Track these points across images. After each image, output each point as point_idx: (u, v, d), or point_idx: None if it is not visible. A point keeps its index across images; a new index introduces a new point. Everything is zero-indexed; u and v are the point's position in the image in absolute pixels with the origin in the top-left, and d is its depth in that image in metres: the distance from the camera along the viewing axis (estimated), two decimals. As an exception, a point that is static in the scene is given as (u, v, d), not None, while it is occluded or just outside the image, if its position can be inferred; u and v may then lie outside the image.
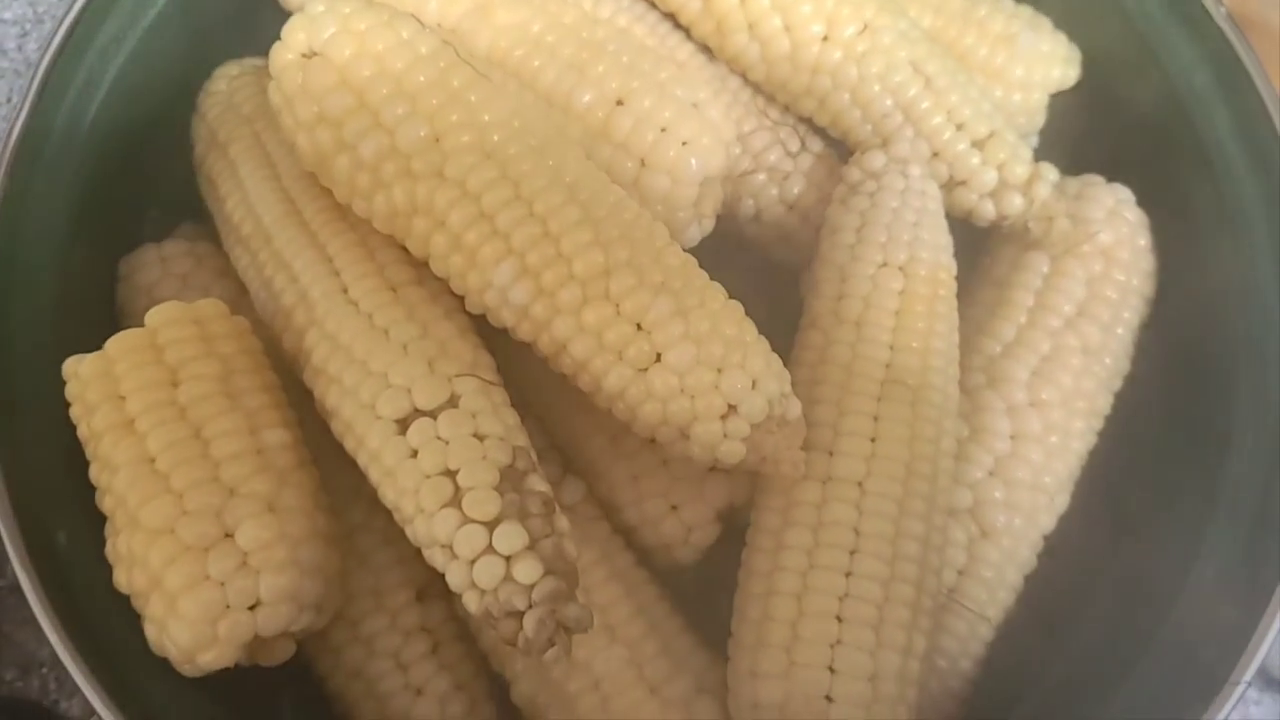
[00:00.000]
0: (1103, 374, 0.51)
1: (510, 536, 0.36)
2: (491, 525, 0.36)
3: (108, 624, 0.40)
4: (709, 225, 0.49)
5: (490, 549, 0.36)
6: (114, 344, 0.42)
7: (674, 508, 0.46)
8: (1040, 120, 0.57)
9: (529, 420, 0.43)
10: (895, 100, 0.51)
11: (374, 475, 0.40)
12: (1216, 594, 0.45)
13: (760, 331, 0.42)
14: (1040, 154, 0.54)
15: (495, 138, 0.42)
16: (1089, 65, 0.56)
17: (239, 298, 0.49)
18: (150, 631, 0.39)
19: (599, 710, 0.42)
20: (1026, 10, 0.57)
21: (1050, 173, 0.52)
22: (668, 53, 0.53)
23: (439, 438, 0.38)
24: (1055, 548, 0.49)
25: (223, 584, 0.37)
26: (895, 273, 0.47)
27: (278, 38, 0.44)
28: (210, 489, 0.39)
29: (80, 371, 0.42)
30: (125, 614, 0.40)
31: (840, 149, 0.55)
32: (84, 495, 0.42)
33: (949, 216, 0.51)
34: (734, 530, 0.47)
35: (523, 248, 0.41)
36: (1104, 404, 0.51)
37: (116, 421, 0.40)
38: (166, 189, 0.55)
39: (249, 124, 0.50)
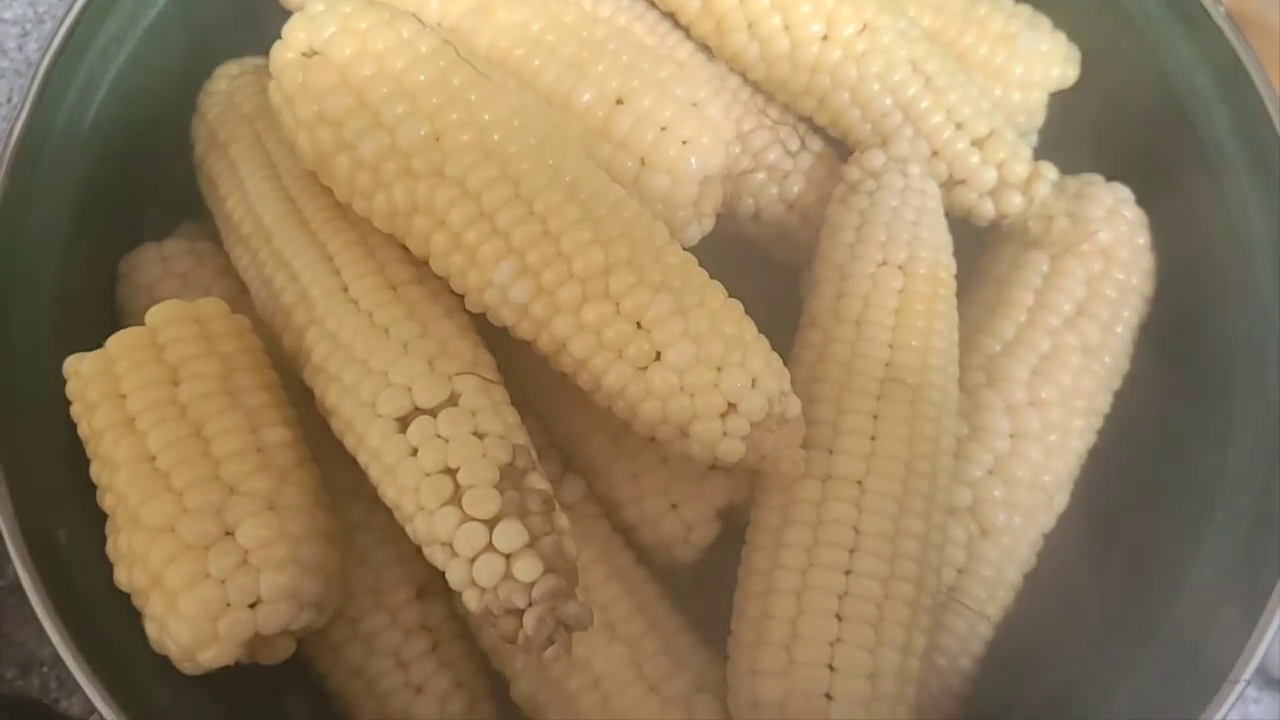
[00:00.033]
0: (1102, 373, 0.51)
1: (510, 534, 0.36)
2: (491, 523, 0.36)
3: (108, 622, 0.40)
4: (709, 224, 0.49)
5: (490, 547, 0.36)
6: (114, 342, 0.43)
7: (674, 506, 0.46)
8: (1040, 119, 0.57)
9: (529, 418, 0.43)
10: (895, 99, 0.51)
11: (374, 473, 0.40)
12: (1216, 592, 0.45)
13: (760, 330, 0.42)
14: (1040, 153, 0.54)
15: (495, 137, 0.42)
16: (1088, 64, 0.56)
17: (239, 296, 0.49)
18: (151, 629, 0.39)
19: (599, 708, 0.42)
20: (1026, 9, 0.57)
21: (1050, 171, 0.52)
22: (667, 52, 0.53)
23: (439, 436, 0.38)
24: (1055, 546, 0.49)
25: (223, 582, 0.37)
26: (895, 271, 0.47)
27: (278, 37, 0.44)
28: (210, 487, 0.39)
29: (81, 370, 0.42)
30: (126, 612, 0.40)
31: (840, 148, 0.55)
32: (84, 493, 0.42)
33: (948, 215, 0.51)
34: (734, 528, 0.47)
35: (522, 246, 0.41)
36: (1103, 403, 0.51)
37: (117, 420, 0.40)
38: (167, 188, 0.55)
39: (249, 123, 0.50)
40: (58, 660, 0.39)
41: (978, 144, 0.52)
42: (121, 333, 0.43)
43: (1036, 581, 0.49)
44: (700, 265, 0.43)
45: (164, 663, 0.39)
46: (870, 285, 0.47)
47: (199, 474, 0.39)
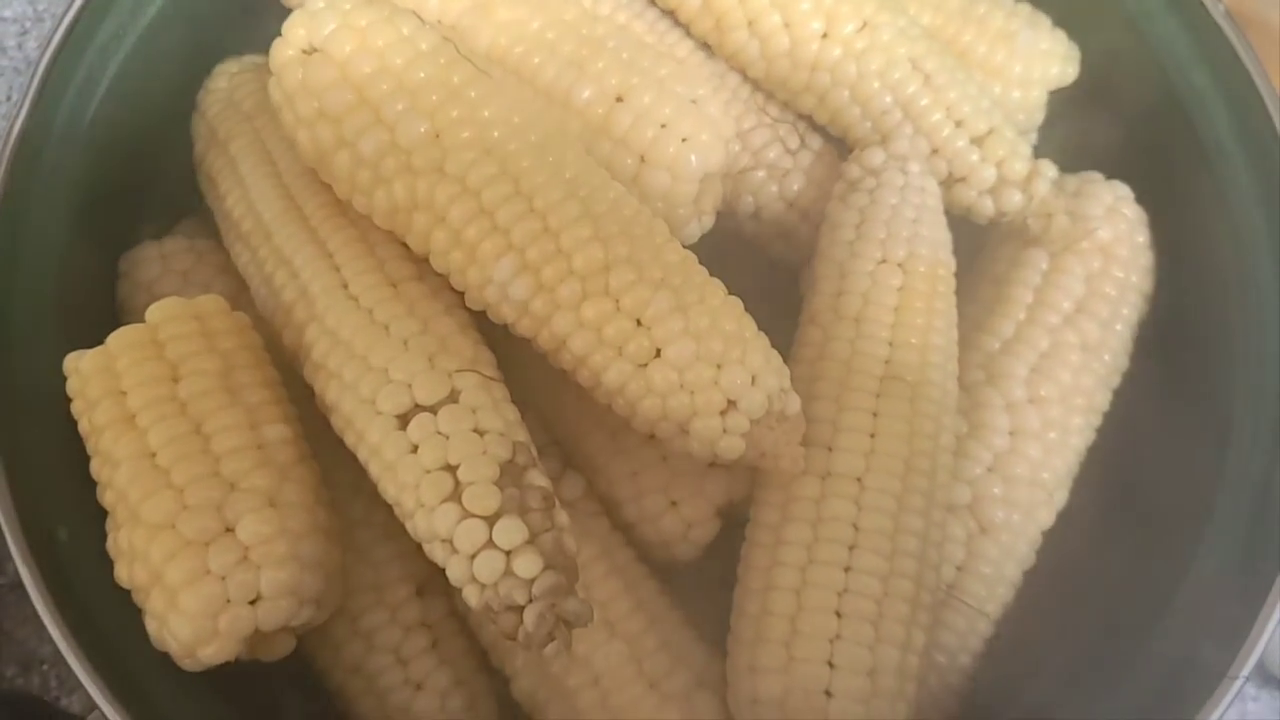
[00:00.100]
0: (1101, 370, 0.51)
1: (510, 531, 0.36)
2: (491, 520, 0.36)
3: (109, 619, 0.40)
4: (709, 222, 0.49)
5: (490, 544, 0.36)
6: (115, 340, 0.43)
7: (673, 504, 0.46)
8: (1039, 117, 0.57)
9: (529, 416, 0.43)
10: (894, 97, 0.51)
11: (374, 470, 0.40)
12: (1215, 590, 0.45)
13: (760, 327, 0.42)
14: (1039, 151, 0.54)
15: (495, 134, 0.42)
16: (1088, 63, 0.56)
17: (239, 294, 0.49)
18: (151, 626, 0.39)
19: (599, 705, 0.43)
20: (1025, 8, 0.57)
21: (1049, 169, 0.52)
22: (667, 49, 0.53)
23: (439, 433, 0.38)
24: (1054, 544, 0.49)
25: (223, 578, 0.37)
26: (894, 269, 0.47)
27: (278, 34, 0.44)
28: (211, 484, 0.39)
29: (81, 367, 0.42)
30: (126, 609, 0.40)
31: (840, 146, 0.55)
32: (85, 491, 0.42)
33: (948, 213, 0.51)
34: (733, 526, 0.47)
35: (522, 243, 0.41)
36: (1102, 400, 0.51)
37: (117, 417, 0.40)
38: (167, 186, 0.55)
39: (249, 121, 0.50)
40: (58, 658, 0.39)
41: (977, 142, 0.52)
42: (121, 330, 0.43)
43: (1036, 579, 0.49)
44: (700, 263, 0.43)
45: (164, 660, 0.39)
46: (870, 283, 0.47)
47: (199, 471, 0.39)
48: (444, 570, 0.37)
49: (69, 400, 0.43)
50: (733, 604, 0.44)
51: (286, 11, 0.46)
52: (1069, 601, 0.50)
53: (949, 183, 0.52)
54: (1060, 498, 0.50)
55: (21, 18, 0.70)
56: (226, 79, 0.53)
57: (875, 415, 0.44)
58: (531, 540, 0.36)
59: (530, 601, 0.36)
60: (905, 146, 0.51)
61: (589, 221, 0.41)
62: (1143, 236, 0.53)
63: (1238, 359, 0.49)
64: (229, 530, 0.38)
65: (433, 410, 0.39)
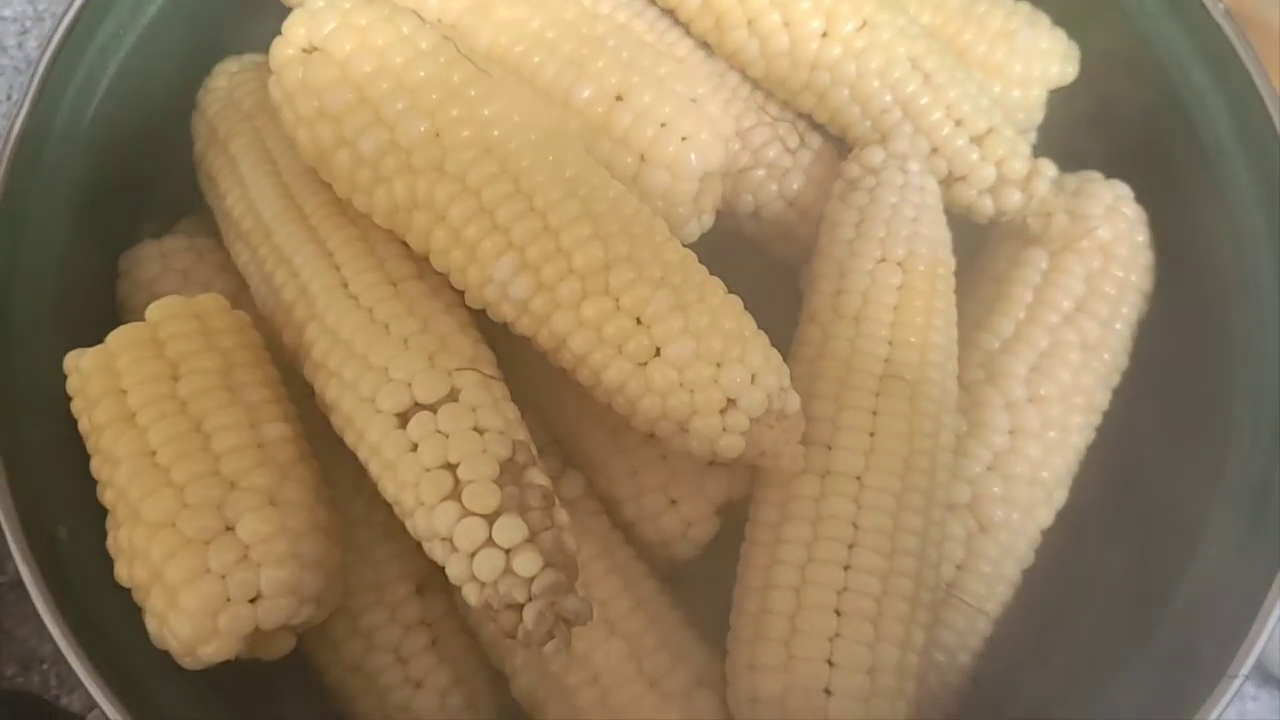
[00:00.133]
0: (1101, 369, 0.51)
1: (510, 529, 0.36)
2: (491, 518, 0.36)
3: (109, 618, 0.41)
4: (708, 221, 0.49)
5: (490, 542, 0.36)
6: (115, 338, 0.43)
7: (673, 502, 0.46)
8: (1039, 116, 0.57)
9: (529, 414, 0.43)
10: (894, 96, 0.51)
11: (374, 469, 0.40)
12: (1214, 588, 0.45)
13: (759, 326, 0.42)
14: (1039, 150, 0.54)
15: (495, 133, 0.42)
16: (1087, 62, 0.56)
17: (239, 293, 0.49)
18: (151, 625, 0.39)
19: (598, 704, 0.43)
20: (1025, 7, 0.57)
21: (1049, 169, 0.52)
22: (667, 48, 0.53)
23: (439, 431, 0.38)
24: (1053, 543, 0.50)
25: (223, 577, 0.37)
26: (894, 268, 0.47)
27: (278, 33, 0.44)
28: (211, 482, 0.39)
29: (81, 365, 0.42)
30: (126, 608, 0.40)
31: (839, 145, 0.55)
32: (85, 489, 0.42)
33: (948, 212, 0.51)
34: (733, 524, 0.47)
35: (523, 242, 0.41)
36: (1102, 399, 0.51)
37: (117, 415, 0.40)
38: (167, 185, 0.55)
39: (249, 120, 0.50)
40: (58, 656, 0.39)
41: (977, 141, 0.52)
42: (122, 328, 0.43)
43: (1035, 577, 0.49)
44: (700, 261, 0.43)
45: (165, 658, 0.39)
46: (869, 282, 0.47)
47: (199, 469, 0.39)
48: (444, 568, 0.37)
49: (69, 399, 0.43)
50: (732, 602, 0.44)
51: (286, 10, 0.46)
52: (1068, 600, 0.50)
53: (949, 181, 0.52)
54: (1060, 497, 0.50)
55: (21, 17, 0.70)
56: (227, 78, 0.53)
57: (875, 414, 0.44)
58: (531, 538, 0.36)
59: (530, 600, 0.36)
60: (905, 145, 0.51)
61: (589, 220, 0.41)
62: (1142, 235, 0.53)
63: (1238, 359, 0.49)
64: (229, 529, 0.38)
65: (432, 409, 0.39)
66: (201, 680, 0.40)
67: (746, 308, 0.42)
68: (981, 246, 0.55)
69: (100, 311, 0.51)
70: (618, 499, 0.47)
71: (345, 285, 0.44)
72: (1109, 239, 0.52)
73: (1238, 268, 0.50)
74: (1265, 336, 0.48)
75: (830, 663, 0.40)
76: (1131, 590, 0.49)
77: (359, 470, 0.41)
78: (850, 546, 0.42)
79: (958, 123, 0.52)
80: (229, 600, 0.37)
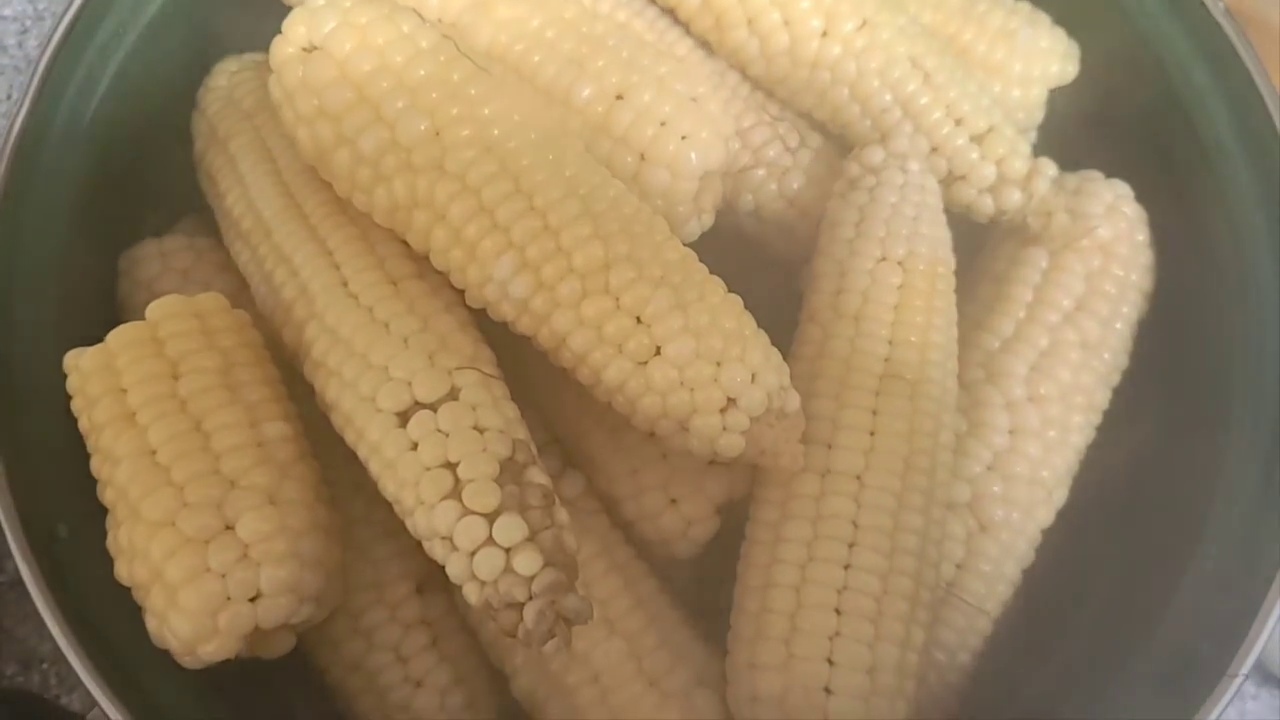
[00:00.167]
0: (1101, 369, 0.51)
1: (510, 528, 0.36)
2: (491, 517, 0.36)
3: (109, 617, 0.40)
4: (708, 220, 0.49)
5: (490, 541, 0.36)
6: (115, 337, 0.43)
7: (673, 501, 0.46)
8: (1039, 116, 0.57)
9: (529, 414, 0.43)
10: (894, 95, 0.51)
11: (374, 468, 0.40)
12: (1214, 587, 0.45)
13: (759, 325, 0.42)
14: (1039, 149, 0.54)
15: (495, 132, 0.42)
16: (1088, 61, 0.56)
17: (239, 292, 0.49)
18: (151, 624, 0.39)
19: (598, 703, 0.43)
20: (1025, 6, 0.57)
21: (1049, 168, 0.52)
22: (667, 48, 0.53)
23: (439, 430, 0.38)
24: (1053, 542, 0.49)
25: (223, 576, 0.37)
26: (894, 267, 0.47)
27: (278, 32, 0.44)
28: (211, 481, 0.39)
29: (81, 365, 0.42)
30: (126, 607, 0.40)
31: (839, 144, 0.55)
32: (85, 488, 0.42)
33: (948, 211, 0.51)
34: (733, 523, 0.47)
35: (523, 241, 0.41)
36: (1102, 399, 0.51)
37: (117, 414, 0.40)
38: (167, 184, 0.55)
39: (249, 119, 0.50)
40: (58, 656, 0.39)
41: (977, 140, 0.52)
42: (121, 327, 0.43)
43: (1035, 577, 0.49)
44: (700, 260, 0.43)
45: (165, 657, 0.39)
46: (869, 281, 0.47)
47: (199, 468, 0.39)
48: (444, 567, 0.37)
49: (69, 397, 0.43)
50: (732, 601, 0.44)
51: (286, 9, 0.46)
52: (1068, 599, 0.50)
53: (949, 181, 0.52)
54: (1060, 496, 0.50)
55: (22, 16, 0.70)
56: (226, 77, 0.53)
57: (875, 413, 0.44)
58: (531, 537, 0.36)
59: (530, 599, 0.36)
60: (905, 144, 0.51)
61: (589, 219, 0.41)
62: (1143, 235, 0.53)
63: (1238, 358, 0.49)
64: (229, 528, 0.38)
65: (432, 408, 0.39)
66: (201, 679, 0.40)
67: (746, 307, 0.42)
68: (982, 246, 0.55)
69: (100, 311, 0.51)
70: (618, 498, 0.47)
71: (345, 284, 0.44)
72: (1109, 238, 0.52)
73: (1238, 267, 0.50)
74: (1265, 336, 0.48)
75: (830, 661, 0.40)
76: (1131, 590, 0.49)
77: (359, 469, 0.41)
78: (850, 545, 0.42)
79: (958, 122, 0.52)
80: (229, 599, 0.37)
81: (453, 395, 0.39)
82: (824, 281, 0.48)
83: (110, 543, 0.40)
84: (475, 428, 0.39)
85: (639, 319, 0.40)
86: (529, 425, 0.42)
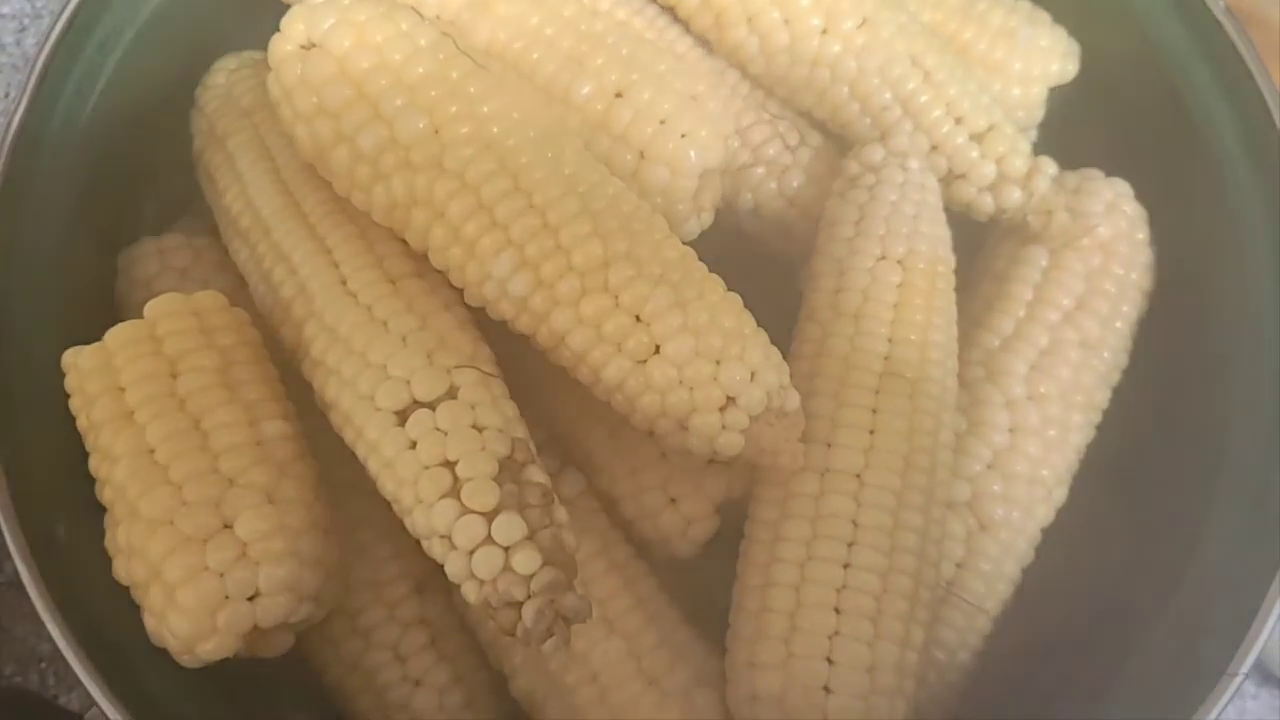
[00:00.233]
0: (1101, 368, 0.51)
1: (509, 527, 0.36)
2: (490, 516, 0.36)
3: (107, 616, 0.40)
4: (708, 218, 0.49)
5: (489, 539, 0.36)
6: (113, 336, 0.42)
7: (673, 500, 0.46)
8: (1039, 114, 0.57)
9: (528, 412, 0.43)
10: (894, 93, 0.51)
11: (373, 467, 0.40)
12: (1214, 586, 0.45)
13: (759, 324, 0.42)
14: (1039, 148, 0.54)
15: (494, 129, 0.42)
16: (1088, 59, 0.56)
17: (238, 291, 0.49)
18: (149, 623, 0.39)
19: (598, 702, 0.42)
20: (1025, 5, 0.57)
21: (1049, 166, 0.52)
22: (666, 46, 0.53)
23: (438, 429, 0.38)
24: (1053, 541, 0.49)
25: (221, 575, 0.37)
26: (893, 266, 0.47)
27: (277, 29, 0.44)
28: (209, 480, 0.39)
29: (79, 363, 0.42)
30: (125, 606, 0.40)
31: (839, 143, 0.55)
32: (83, 487, 0.42)
33: (947, 210, 0.51)
34: (732, 522, 0.47)
35: (522, 239, 0.41)
36: (1102, 398, 0.51)
37: (116, 413, 0.40)
38: (165, 183, 0.55)
39: (248, 117, 0.50)
40: (56, 656, 0.39)
41: (977, 138, 0.52)
42: (120, 325, 0.43)
43: (1035, 576, 0.49)
44: (699, 259, 0.43)
45: (163, 656, 0.39)
46: (869, 279, 0.47)
47: (198, 467, 0.39)
48: (442, 566, 0.37)
49: (67, 396, 0.43)
50: (732, 600, 0.44)
51: (285, 7, 0.46)
52: (1068, 599, 0.50)
53: (949, 179, 0.52)
54: (1060, 495, 0.50)
55: (20, 14, 0.70)
56: (225, 75, 0.53)
57: (875, 412, 0.44)
58: (530, 536, 0.36)
59: (529, 597, 0.36)
60: (905, 143, 0.51)
61: (588, 217, 0.41)
62: (1143, 233, 0.53)
63: (1236, 356, 0.49)
64: (227, 526, 0.38)
65: (431, 406, 0.39)
66: (200, 678, 0.40)
67: (746, 305, 0.42)
68: (981, 244, 0.55)
69: (98, 309, 0.51)
70: (617, 497, 0.47)
71: (344, 283, 0.44)
72: (1109, 237, 0.52)
73: (1238, 266, 0.49)
74: (1265, 335, 0.48)
75: (830, 660, 0.40)
76: (1131, 589, 0.49)
77: (358, 468, 0.41)
78: (850, 544, 0.41)
79: (958, 120, 0.51)
80: (227, 598, 0.37)
81: (451, 394, 0.39)
82: (823, 280, 0.48)
83: (108, 541, 0.40)
84: (474, 426, 0.38)
85: (638, 317, 0.40)
86: (528, 424, 0.42)
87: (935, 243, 0.49)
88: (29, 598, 0.39)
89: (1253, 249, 0.49)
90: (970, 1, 0.56)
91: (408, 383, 0.40)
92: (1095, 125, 0.57)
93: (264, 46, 0.44)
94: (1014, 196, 0.51)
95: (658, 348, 0.40)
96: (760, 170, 0.53)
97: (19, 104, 0.46)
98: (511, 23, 0.49)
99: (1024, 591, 0.49)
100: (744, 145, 0.53)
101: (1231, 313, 0.50)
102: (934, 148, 0.52)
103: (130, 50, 0.50)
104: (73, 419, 0.43)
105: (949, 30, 0.56)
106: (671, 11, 0.54)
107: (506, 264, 0.41)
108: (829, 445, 0.44)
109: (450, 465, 0.37)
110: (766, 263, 0.56)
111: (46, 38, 0.47)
